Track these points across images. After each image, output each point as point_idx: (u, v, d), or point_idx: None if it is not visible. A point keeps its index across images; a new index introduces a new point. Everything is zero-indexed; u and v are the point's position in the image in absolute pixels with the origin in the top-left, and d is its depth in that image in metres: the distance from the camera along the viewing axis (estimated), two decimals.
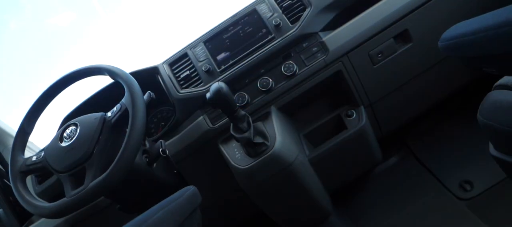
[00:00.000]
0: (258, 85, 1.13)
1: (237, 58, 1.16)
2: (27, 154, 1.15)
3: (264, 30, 1.18)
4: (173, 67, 1.23)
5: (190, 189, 0.95)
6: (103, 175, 0.90)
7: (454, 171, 1.29)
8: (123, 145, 0.91)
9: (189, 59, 1.22)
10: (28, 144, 1.52)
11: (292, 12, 1.18)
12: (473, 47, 0.65)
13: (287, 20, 1.17)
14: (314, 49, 1.14)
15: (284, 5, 1.20)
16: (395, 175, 1.39)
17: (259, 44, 1.16)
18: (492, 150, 0.80)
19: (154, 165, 1.10)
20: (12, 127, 1.53)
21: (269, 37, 1.16)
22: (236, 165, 1.02)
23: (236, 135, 0.98)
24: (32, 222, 1.27)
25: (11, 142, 1.12)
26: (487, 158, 1.25)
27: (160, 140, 1.12)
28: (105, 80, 1.24)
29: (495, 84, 0.70)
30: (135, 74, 1.21)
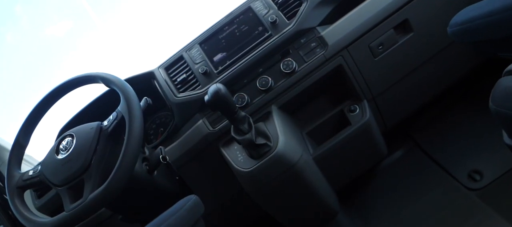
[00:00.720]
0: (257, 84, 1.11)
1: (234, 58, 1.14)
2: (25, 167, 1.13)
3: (260, 28, 1.15)
4: (169, 71, 1.20)
5: (192, 198, 0.92)
6: (102, 186, 0.88)
7: (462, 161, 1.26)
8: (121, 154, 0.89)
9: (185, 62, 1.19)
10: (26, 157, 1.51)
11: (288, 8, 1.16)
12: (487, 31, 0.62)
13: (284, 16, 1.15)
14: (312, 44, 1.12)
15: (279, 1, 1.17)
16: (401, 168, 1.36)
17: (256, 42, 1.14)
18: (506, 138, 0.76)
19: (155, 172, 1.08)
20: (9, 141, 1.50)
21: (266, 35, 1.14)
22: (239, 168, 1.00)
23: (237, 137, 0.96)
24: None
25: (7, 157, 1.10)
26: (495, 146, 1.23)
27: (160, 147, 1.09)
28: (102, 89, 1.22)
29: (506, 69, 0.66)
30: (131, 80, 1.19)
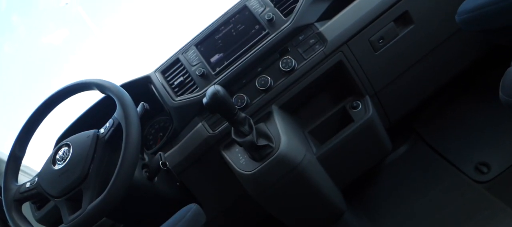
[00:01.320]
0: (257, 84, 1.08)
1: (232, 59, 1.12)
2: (24, 179, 1.11)
3: (257, 27, 1.13)
4: (166, 75, 1.18)
5: (192, 208, 0.90)
6: (101, 196, 0.85)
7: (468, 154, 1.24)
8: (119, 162, 0.86)
9: (181, 64, 1.17)
10: (24, 168, 1.49)
11: (285, 5, 1.14)
12: (499, 17, 0.59)
13: (280, 14, 1.12)
14: (311, 41, 1.09)
15: None
16: (406, 163, 1.34)
17: (253, 41, 1.11)
18: None
19: (155, 179, 1.05)
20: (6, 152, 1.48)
21: (263, 33, 1.11)
22: (241, 171, 0.98)
23: (238, 139, 0.93)
24: None
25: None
26: (502, 137, 1.21)
27: (159, 152, 1.07)
28: (99, 95, 1.19)
29: None
30: (127, 85, 1.17)
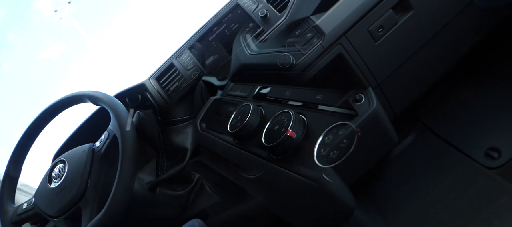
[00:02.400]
0: None
1: (227, 60, 1.08)
2: (23, 198, 1.08)
3: (251, 25, 1.09)
4: (161, 81, 1.15)
5: (195, 225, 0.87)
6: (101, 212, 0.82)
7: (477, 140, 1.20)
8: (117, 176, 0.83)
9: (176, 69, 1.13)
10: (23, 187, 1.45)
11: (278, 0, 1.10)
12: None
13: (274, 9, 1.09)
14: (308, 35, 1.05)
15: None
16: (414, 155, 1.30)
17: None
18: None
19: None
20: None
21: (258, 30, 1.08)
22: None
23: None
24: None
25: None
26: (510, 120, 1.17)
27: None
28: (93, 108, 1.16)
29: None
30: (121, 95, 1.14)
